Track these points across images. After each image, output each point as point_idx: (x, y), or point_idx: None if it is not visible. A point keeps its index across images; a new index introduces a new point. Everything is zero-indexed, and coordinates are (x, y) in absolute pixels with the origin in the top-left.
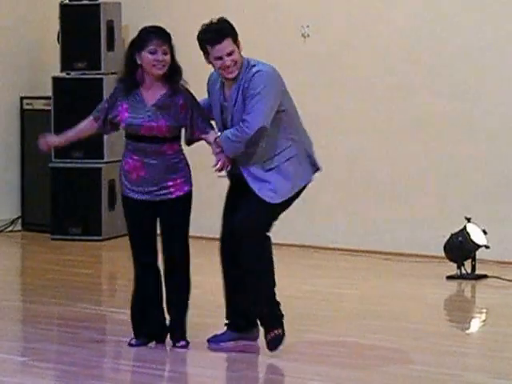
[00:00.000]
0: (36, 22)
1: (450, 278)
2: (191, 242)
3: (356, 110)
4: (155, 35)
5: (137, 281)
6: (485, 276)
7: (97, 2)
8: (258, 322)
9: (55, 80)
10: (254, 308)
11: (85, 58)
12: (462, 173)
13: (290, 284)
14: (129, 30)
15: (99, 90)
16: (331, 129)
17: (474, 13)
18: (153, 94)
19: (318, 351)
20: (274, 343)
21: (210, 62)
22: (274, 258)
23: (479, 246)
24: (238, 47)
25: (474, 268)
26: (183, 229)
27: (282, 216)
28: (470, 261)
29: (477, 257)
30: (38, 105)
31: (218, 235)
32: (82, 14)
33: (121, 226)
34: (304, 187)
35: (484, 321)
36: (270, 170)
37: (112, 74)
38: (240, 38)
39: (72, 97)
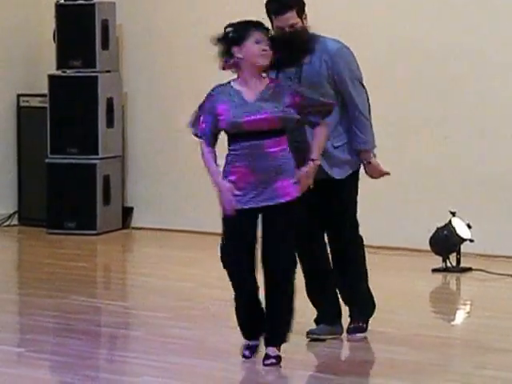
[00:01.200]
0: (32, 21)
1: (435, 270)
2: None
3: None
4: (254, 27)
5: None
6: (469, 269)
7: (92, 2)
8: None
9: (51, 78)
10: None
11: (80, 56)
12: (447, 168)
13: None
14: (123, 29)
15: (94, 87)
16: None
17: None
18: (253, 88)
19: (302, 341)
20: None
21: None
22: None
23: (464, 240)
24: (303, 20)
25: (458, 261)
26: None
27: None
28: (454, 254)
29: (461, 250)
30: (35, 102)
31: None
32: (78, 14)
33: (115, 220)
34: None
35: (468, 312)
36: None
37: (107, 72)
38: None
39: (67, 94)
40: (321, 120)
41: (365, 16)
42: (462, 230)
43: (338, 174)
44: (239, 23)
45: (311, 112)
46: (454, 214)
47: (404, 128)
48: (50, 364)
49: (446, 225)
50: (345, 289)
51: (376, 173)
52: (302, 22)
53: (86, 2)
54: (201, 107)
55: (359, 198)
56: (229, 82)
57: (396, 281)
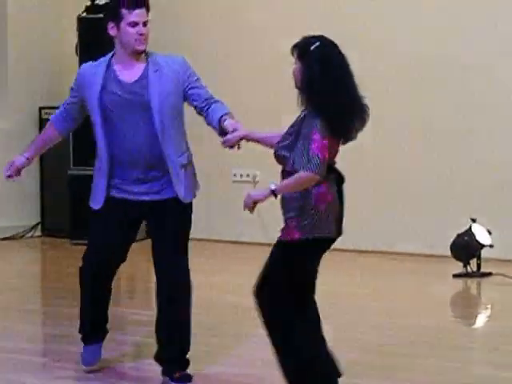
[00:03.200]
0: (54, 35)
1: (456, 276)
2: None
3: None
4: None
5: None
6: (489, 274)
7: None
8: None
9: None
10: None
11: None
12: (467, 176)
13: None
14: None
15: None
16: None
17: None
18: None
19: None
20: None
21: (113, 34)
22: None
23: (484, 246)
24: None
25: (479, 266)
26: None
27: None
28: (475, 259)
29: (482, 256)
30: None
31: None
32: (99, 27)
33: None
34: None
35: (489, 316)
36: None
37: None
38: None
39: None
40: None
41: (389, 32)
42: (482, 236)
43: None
44: None
45: None
46: (474, 220)
47: (426, 136)
48: (74, 374)
49: (466, 231)
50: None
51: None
52: None
53: None
54: None
55: (384, 208)
56: None
57: (418, 286)
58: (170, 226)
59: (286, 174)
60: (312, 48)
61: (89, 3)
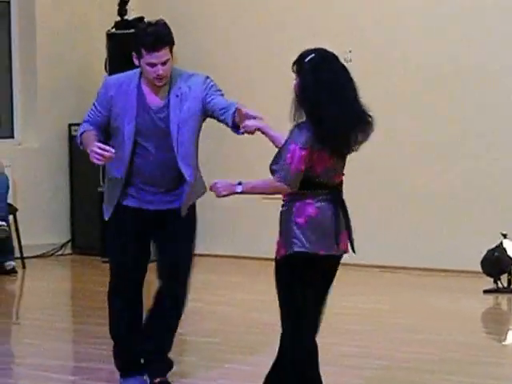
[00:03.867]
0: (82, 52)
1: (486, 291)
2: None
3: (395, 128)
4: None
5: None
6: None
7: None
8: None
9: None
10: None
11: None
12: (498, 190)
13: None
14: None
15: None
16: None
17: None
18: None
19: (355, 363)
20: None
21: (136, 64)
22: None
23: None
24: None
25: (510, 282)
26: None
27: None
28: (506, 275)
29: None
30: None
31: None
32: (129, 42)
33: None
34: None
35: None
36: None
37: None
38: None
39: None
40: None
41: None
42: None
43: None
44: None
45: None
46: (505, 235)
47: (454, 150)
48: None
49: (497, 246)
50: None
51: None
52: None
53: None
54: None
55: (412, 222)
56: None
57: (448, 302)
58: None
59: None
60: (306, 60)
61: (118, 19)
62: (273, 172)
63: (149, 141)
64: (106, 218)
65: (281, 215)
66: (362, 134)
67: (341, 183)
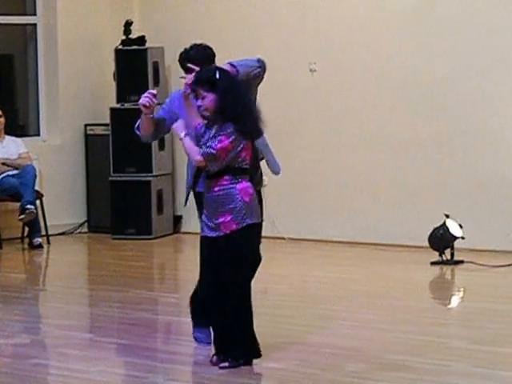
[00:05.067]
0: (96, 64)
1: (433, 263)
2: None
3: (357, 129)
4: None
5: None
6: (462, 261)
7: (144, 47)
8: None
9: (112, 110)
10: None
11: (136, 91)
12: (442, 176)
13: (303, 272)
14: (171, 70)
15: None
16: (332, 145)
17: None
18: None
19: (324, 323)
20: None
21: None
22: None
23: (456, 238)
24: None
25: (452, 255)
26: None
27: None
28: (449, 249)
29: (455, 246)
30: (99, 130)
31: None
32: (133, 57)
33: (167, 227)
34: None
35: (462, 297)
36: None
37: (158, 104)
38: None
39: (126, 123)
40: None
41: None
42: (454, 229)
43: None
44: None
45: None
46: (447, 216)
47: (411, 147)
48: (115, 347)
49: (441, 225)
50: None
51: None
52: None
53: (140, 48)
54: None
55: (371, 205)
56: None
57: (400, 272)
58: None
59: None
60: (217, 77)
61: (124, 37)
62: (201, 147)
63: None
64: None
65: (221, 197)
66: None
67: None
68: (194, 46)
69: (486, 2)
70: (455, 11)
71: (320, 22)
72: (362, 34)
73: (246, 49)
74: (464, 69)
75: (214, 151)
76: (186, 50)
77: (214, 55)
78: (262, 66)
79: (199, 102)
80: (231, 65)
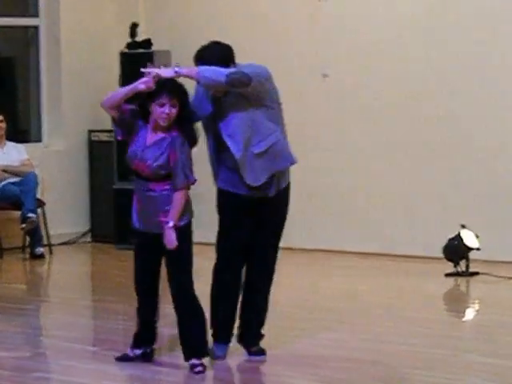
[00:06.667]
0: (100, 69)
1: (447, 275)
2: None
3: (370, 137)
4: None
5: None
6: (477, 273)
7: (150, 50)
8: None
9: None
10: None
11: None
12: (458, 186)
13: (314, 282)
14: None
15: None
16: (344, 153)
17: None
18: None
19: (335, 336)
20: None
21: None
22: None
23: (472, 249)
24: None
25: (467, 266)
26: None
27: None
28: (464, 261)
29: (470, 257)
30: (103, 137)
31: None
32: (139, 60)
33: None
34: None
35: (477, 310)
36: None
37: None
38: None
39: None
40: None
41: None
42: (469, 240)
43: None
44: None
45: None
46: (463, 226)
47: (426, 153)
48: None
49: (456, 236)
50: None
51: None
52: None
53: (146, 51)
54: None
55: (385, 216)
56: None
57: (414, 284)
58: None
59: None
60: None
61: (129, 40)
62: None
63: None
64: None
65: (165, 198)
66: None
67: None
68: (210, 45)
69: (496, 6)
70: (467, 15)
71: (332, 27)
72: (374, 40)
73: (254, 53)
74: (480, 76)
75: None
76: (199, 49)
77: (228, 55)
78: (228, 81)
79: (167, 110)
80: (198, 73)
